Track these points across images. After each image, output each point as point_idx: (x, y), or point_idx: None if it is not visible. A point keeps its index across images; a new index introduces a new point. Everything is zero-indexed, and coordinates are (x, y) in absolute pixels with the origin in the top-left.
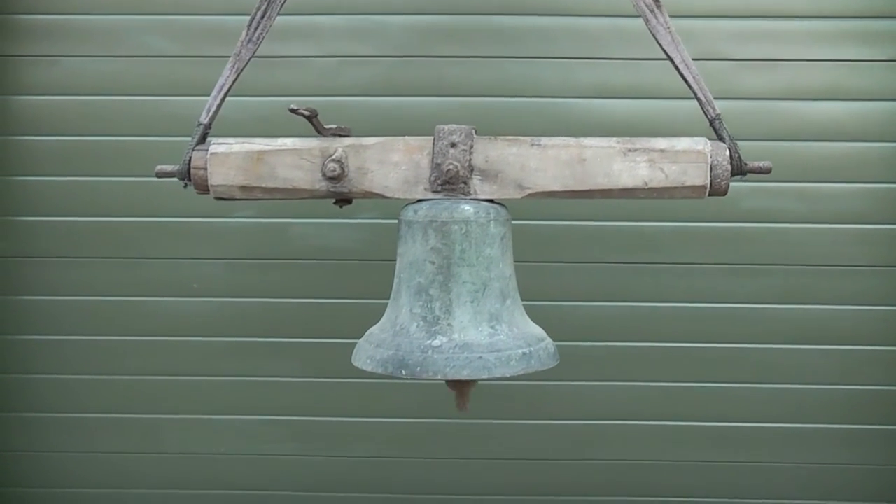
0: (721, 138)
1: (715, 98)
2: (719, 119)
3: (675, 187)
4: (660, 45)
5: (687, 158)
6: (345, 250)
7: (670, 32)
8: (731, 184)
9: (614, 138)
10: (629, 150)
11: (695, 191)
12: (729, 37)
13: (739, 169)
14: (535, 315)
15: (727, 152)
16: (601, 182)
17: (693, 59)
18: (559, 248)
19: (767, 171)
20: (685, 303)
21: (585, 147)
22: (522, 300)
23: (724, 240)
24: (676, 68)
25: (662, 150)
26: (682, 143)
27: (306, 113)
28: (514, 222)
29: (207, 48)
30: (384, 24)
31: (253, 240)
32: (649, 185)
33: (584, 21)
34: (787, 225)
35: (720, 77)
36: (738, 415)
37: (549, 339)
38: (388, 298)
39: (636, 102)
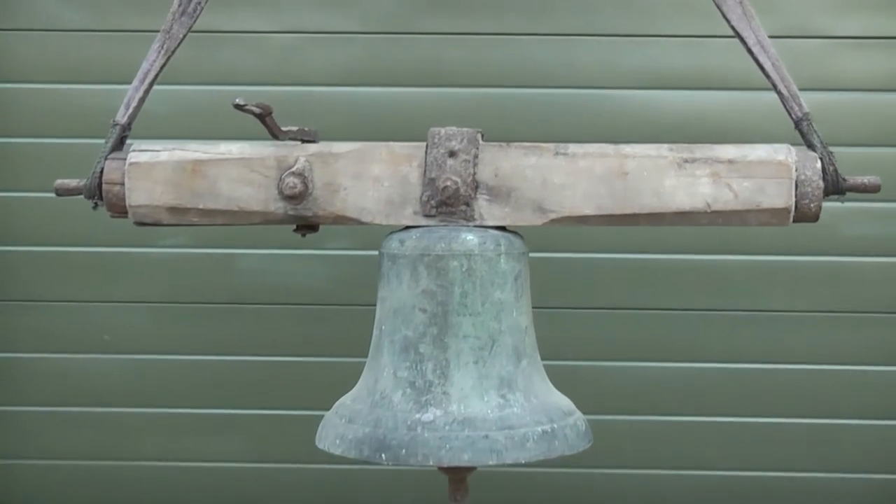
0: (810, 145)
1: (804, 90)
2: (808, 119)
3: (749, 210)
4: (727, 20)
5: (764, 172)
6: (308, 292)
7: (741, 4)
8: (825, 205)
9: (666, 145)
10: (686, 161)
11: (775, 215)
12: (824, 7)
13: (836, 186)
14: (561, 380)
15: (818, 164)
16: (648, 203)
17: (775, 37)
18: (593, 289)
19: (875, 188)
20: (767, 363)
21: (627, 157)
22: (543, 359)
23: (818, 279)
24: (749, 52)
25: (731, 161)
26: (758, 151)
27: (256, 110)
28: (532, 255)
29: (127, 20)
30: None
31: (186, 277)
32: (713, 208)
33: None
34: None
35: (812, 61)
36: None
37: (578, 413)
38: (366, 356)
39: (698, 95)
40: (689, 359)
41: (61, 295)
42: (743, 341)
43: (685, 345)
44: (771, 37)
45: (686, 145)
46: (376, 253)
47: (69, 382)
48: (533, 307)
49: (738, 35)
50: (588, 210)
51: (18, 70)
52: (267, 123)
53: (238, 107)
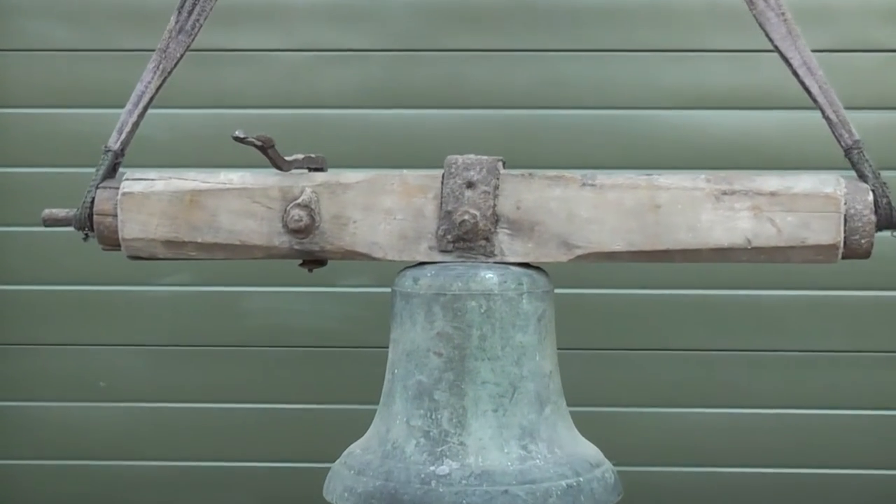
0: (862, 175)
1: (861, 109)
2: (859, 147)
3: (793, 247)
4: (770, 39)
5: (809, 205)
6: (318, 333)
7: (786, 22)
8: (879, 240)
9: (703, 175)
10: (724, 194)
11: (821, 252)
12: (884, 17)
13: (889, 220)
14: (592, 428)
15: (870, 196)
16: (683, 239)
17: (828, 52)
18: (627, 329)
19: None
20: (825, 408)
21: (660, 188)
22: (572, 405)
23: (880, 316)
24: (795, 74)
25: (773, 194)
26: (803, 182)
27: (258, 143)
28: (558, 291)
29: (121, 39)
30: (380, 3)
31: (187, 318)
32: (754, 245)
33: None
34: None
35: (870, 77)
36: None
37: (607, 464)
38: (377, 403)
39: (742, 115)
40: (735, 404)
41: (51, 338)
42: (797, 384)
43: (731, 389)
44: (824, 51)
45: (724, 176)
46: (389, 291)
47: (61, 433)
48: (559, 349)
49: (782, 56)
50: (617, 246)
51: (4, 93)
52: (269, 155)
53: (238, 139)
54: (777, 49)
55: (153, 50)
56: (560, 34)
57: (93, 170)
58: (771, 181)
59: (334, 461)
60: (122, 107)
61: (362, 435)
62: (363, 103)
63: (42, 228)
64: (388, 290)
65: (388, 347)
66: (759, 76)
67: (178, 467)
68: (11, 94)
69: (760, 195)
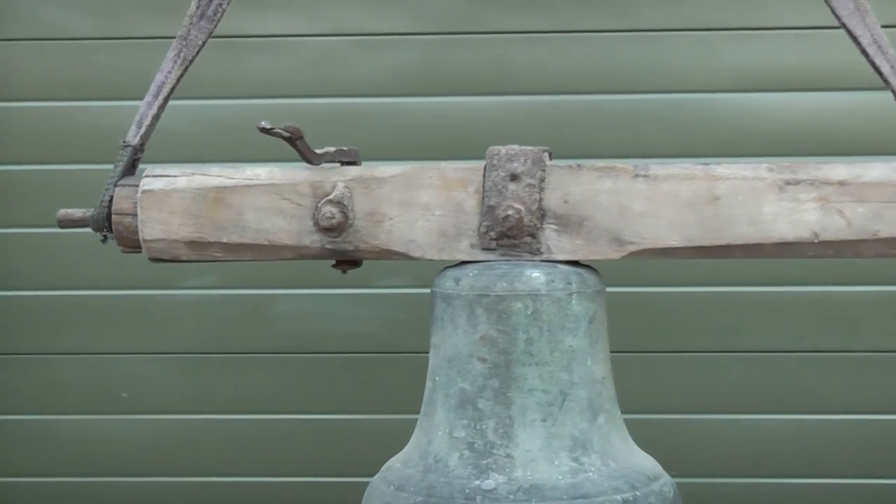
0: None
1: None
2: None
3: (864, 241)
4: (837, 16)
5: (881, 195)
6: (354, 338)
7: None
8: None
9: (764, 164)
10: (788, 183)
11: (893, 246)
12: None
13: None
14: (649, 437)
15: None
16: (744, 233)
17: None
18: (687, 329)
19: None
20: None
21: (719, 179)
22: (628, 412)
23: None
24: (864, 53)
25: (841, 183)
26: (874, 170)
27: (285, 134)
28: (610, 290)
29: (139, 26)
30: None
31: (215, 323)
32: (821, 238)
33: None
34: None
35: None
36: None
37: (666, 477)
38: (417, 413)
39: (808, 97)
40: (805, 409)
41: (68, 347)
42: (872, 387)
43: (801, 393)
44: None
45: (788, 165)
46: (428, 292)
47: (81, 448)
48: (611, 352)
49: (850, 33)
50: (673, 241)
51: (15, 86)
52: (298, 148)
53: (264, 130)
54: (844, 26)
55: (173, 37)
56: (610, 13)
57: (109, 166)
58: (839, 169)
59: (372, 475)
60: (139, 98)
61: (402, 447)
62: (398, 91)
63: (56, 230)
64: (428, 290)
65: (428, 352)
66: (825, 55)
67: (207, 483)
68: (21, 86)
69: (828, 185)
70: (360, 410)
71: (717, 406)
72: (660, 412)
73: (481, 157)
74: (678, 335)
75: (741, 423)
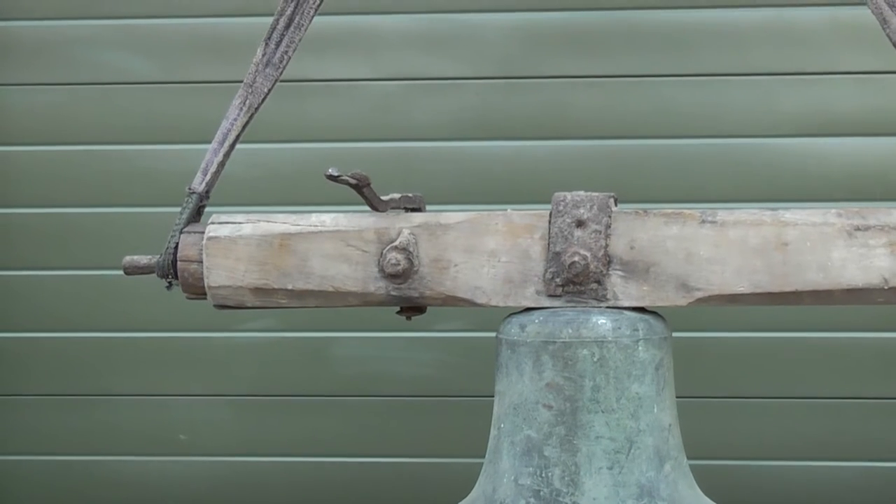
0: None
1: None
2: None
3: None
4: None
5: None
6: (415, 381)
7: None
8: None
9: (833, 210)
10: (857, 229)
11: None
12: None
13: None
14: (710, 484)
15: None
16: (813, 280)
17: None
18: (746, 376)
19: None
20: None
21: (787, 225)
22: (692, 459)
23: None
24: None
25: None
26: None
27: (352, 181)
28: (676, 336)
29: (203, 71)
30: (476, 26)
31: (274, 366)
32: (891, 284)
33: (791, 14)
34: None
35: None
36: None
37: None
38: (482, 458)
39: (873, 143)
40: (868, 457)
41: (127, 388)
42: None
43: (864, 440)
44: None
45: (857, 210)
46: (494, 335)
47: (138, 490)
48: (677, 397)
49: None
50: (741, 288)
51: (80, 131)
52: (365, 195)
53: (331, 178)
54: None
55: (235, 81)
56: (670, 57)
57: (173, 210)
58: None
59: None
60: (202, 142)
61: (462, 492)
62: (459, 135)
63: (118, 273)
64: (489, 334)
65: (489, 396)
66: (886, 100)
67: None
68: (85, 130)
69: None
70: (421, 454)
71: (779, 452)
72: (723, 458)
73: (542, 202)
74: (739, 380)
75: (805, 469)
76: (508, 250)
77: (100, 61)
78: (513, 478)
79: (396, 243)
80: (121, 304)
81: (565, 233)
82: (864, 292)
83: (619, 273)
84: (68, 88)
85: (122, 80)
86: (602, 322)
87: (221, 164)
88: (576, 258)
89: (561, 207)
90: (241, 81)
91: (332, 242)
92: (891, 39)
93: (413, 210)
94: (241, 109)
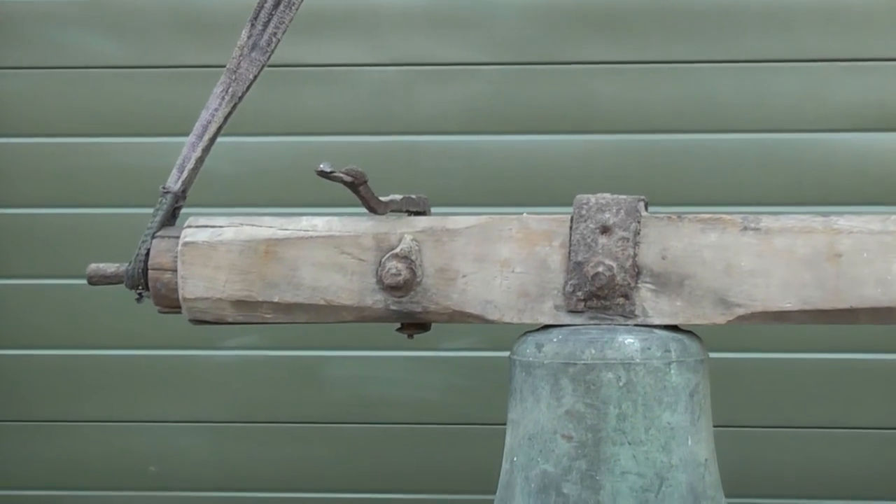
0: None
1: None
2: None
3: None
4: None
5: None
6: (417, 407)
7: None
8: None
9: (893, 216)
10: None
11: None
12: None
13: None
14: None
15: None
16: (871, 295)
17: None
18: (792, 403)
19: None
20: None
21: (841, 232)
22: (732, 496)
23: None
24: None
25: None
26: None
27: (347, 178)
28: (713, 357)
29: (180, 54)
30: (489, 5)
31: (257, 389)
32: None
33: None
34: None
35: None
36: None
37: None
38: (493, 494)
39: None
40: None
41: (90, 413)
42: None
43: None
44: None
45: None
46: (507, 356)
47: None
48: (714, 426)
49: None
50: (788, 304)
51: (40, 120)
52: (361, 194)
53: (323, 174)
54: None
55: (217, 66)
56: (708, 41)
57: (144, 212)
58: None
59: None
60: (180, 134)
61: None
62: (469, 128)
63: (80, 282)
64: (501, 354)
65: (501, 425)
66: None
67: None
68: (46, 120)
69: None
70: (421, 489)
71: (832, 490)
72: (767, 497)
73: (562, 204)
74: (785, 408)
75: None
76: (524, 260)
77: (64, 42)
78: None
79: (397, 251)
80: (85, 317)
81: (588, 240)
82: None
83: (650, 286)
84: (28, 73)
85: (90, 64)
86: (629, 342)
87: (200, 160)
88: (600, 269)
89: (584, 211)
90: (224, 67)
91: (324, 249)
92: None
93: (416, 213)
94: (224, 98)
